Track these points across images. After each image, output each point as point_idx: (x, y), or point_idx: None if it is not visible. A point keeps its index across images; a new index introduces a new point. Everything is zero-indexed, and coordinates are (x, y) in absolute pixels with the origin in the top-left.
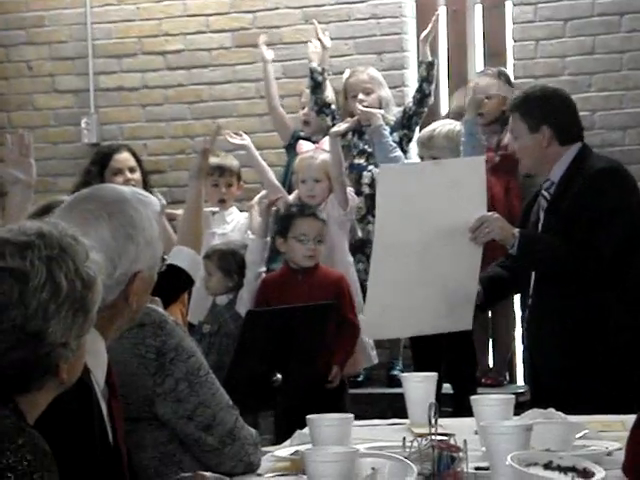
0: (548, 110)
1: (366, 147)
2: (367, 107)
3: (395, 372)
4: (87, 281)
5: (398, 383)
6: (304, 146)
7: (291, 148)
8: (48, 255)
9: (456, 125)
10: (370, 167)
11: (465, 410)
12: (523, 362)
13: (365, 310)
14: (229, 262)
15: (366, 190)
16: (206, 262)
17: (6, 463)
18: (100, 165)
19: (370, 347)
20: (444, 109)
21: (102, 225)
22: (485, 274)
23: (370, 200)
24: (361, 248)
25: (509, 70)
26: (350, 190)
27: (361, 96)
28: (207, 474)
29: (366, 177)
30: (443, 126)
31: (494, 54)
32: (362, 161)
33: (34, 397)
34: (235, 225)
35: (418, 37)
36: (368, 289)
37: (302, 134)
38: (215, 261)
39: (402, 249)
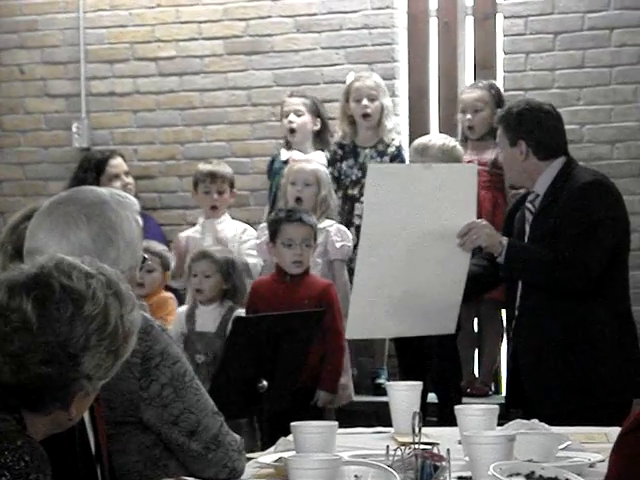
0: (524, 125)
1: (360, 175)
2: (368, 114)
3: (381, 380)
4: (127, 330)
5: (383, 391)
6: (297, 157)
7: (272, 173)
8: (106, 293)
9: (451, 140)
10: (362, 199)
11: (450, 419)
12: (507, 370)
13: (349, 308)
14: (229, 266)
15: (357, 221)
16: (201, 263)
17: (4, 462)
18: (96, 172)
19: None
20: (434, 122)
21: (81, 228)
22: None
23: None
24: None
25: (499, 82)
26: (344, 232)
27: (365, 102)
28: (190, 479)
29: (358, 209)
30: (438, 139)
31: (484, 66)
32: (355, 192)
33: (39, 420)
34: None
35: (409, 48)
36: (353, 287)
37: (284, 150)
38: (215, 262)
39: (388, 249)
